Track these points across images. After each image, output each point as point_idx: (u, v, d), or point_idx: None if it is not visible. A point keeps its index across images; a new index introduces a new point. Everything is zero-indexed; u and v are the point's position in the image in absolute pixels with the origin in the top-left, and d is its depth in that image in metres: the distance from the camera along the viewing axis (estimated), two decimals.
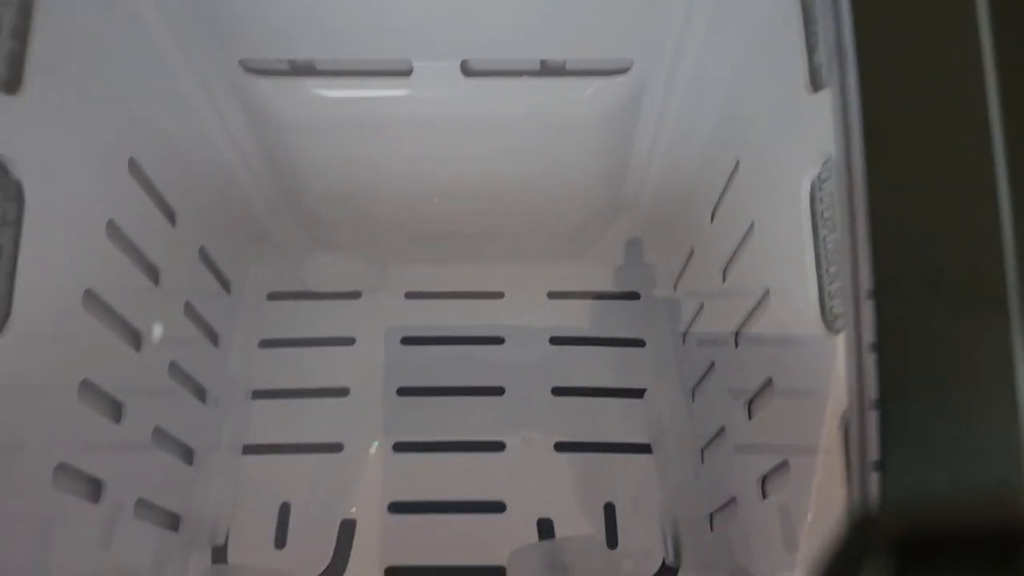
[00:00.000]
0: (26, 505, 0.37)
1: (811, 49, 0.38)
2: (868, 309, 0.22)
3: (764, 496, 0.46)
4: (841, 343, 0.35)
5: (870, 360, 0.22)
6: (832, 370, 0.35)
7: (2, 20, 0.35)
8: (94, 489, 0.43)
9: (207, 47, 0.46)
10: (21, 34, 0.35)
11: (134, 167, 0.45)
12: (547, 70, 0.51)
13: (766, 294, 0.44)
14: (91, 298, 0.42)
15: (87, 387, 0.42)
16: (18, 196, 0.36)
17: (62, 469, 0.39)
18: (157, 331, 0.48)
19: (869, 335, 0.22)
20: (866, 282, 0.23)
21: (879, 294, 0.22)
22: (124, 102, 0.44)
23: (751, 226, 0.46)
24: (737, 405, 0.49)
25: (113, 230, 0.43)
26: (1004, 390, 0.21)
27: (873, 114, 0.22)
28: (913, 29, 0.22)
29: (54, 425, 0.39)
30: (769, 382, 0.44)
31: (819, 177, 0.38)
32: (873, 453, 0.21)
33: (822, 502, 0.37)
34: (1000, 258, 0.22)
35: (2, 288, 0.35)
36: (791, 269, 0.40)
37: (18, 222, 0.36)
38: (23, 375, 0.36)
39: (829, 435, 0.35)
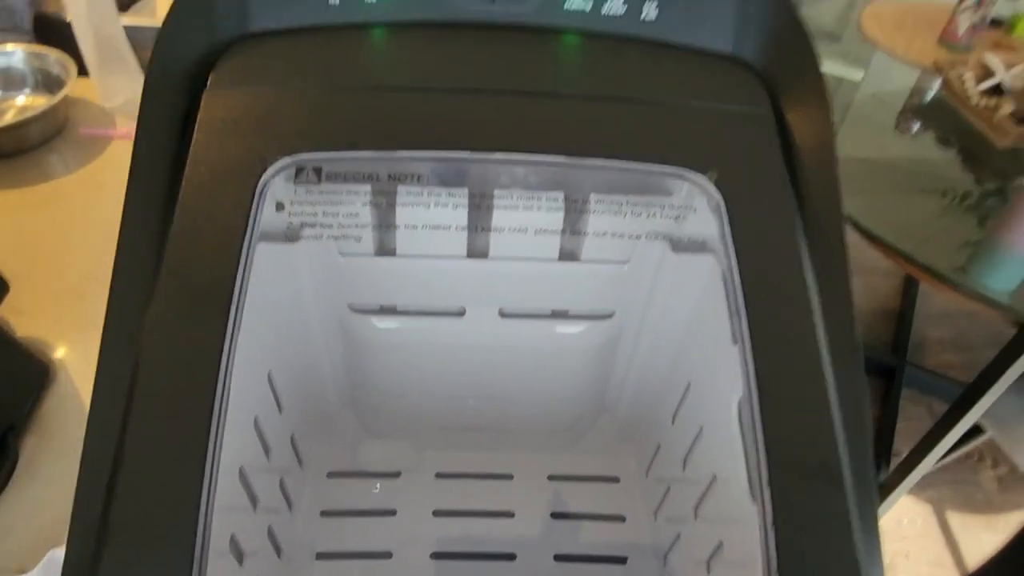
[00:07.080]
0: None
1: (731, 315, 0.58)
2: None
3: None
4: None
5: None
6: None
7: None
8: None
9: (330, 295, 0.67)
10: None
11: (270, 378, 0.64)
12: (556, 315, 0.72)
13: (714, 479, 0.62)
14: (241, 474, 0.59)
15: (232, 541, 0.57)
16: None
17: None
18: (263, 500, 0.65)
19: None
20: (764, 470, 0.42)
21: (772, 480, 0.41)
22: (275, 331, 0.63)
23: (700, 430, 0.65)
24: (700, 569, 0.65)
25: (256, 424, 0.61)
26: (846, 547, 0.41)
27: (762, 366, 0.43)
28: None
29: None
30: (720, 546, 0.61)
31: (742, 398, 0.57)
32: None
33: None
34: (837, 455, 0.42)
35: None
36: (730, 461, 0.57)
37: None
38: None
39: None
